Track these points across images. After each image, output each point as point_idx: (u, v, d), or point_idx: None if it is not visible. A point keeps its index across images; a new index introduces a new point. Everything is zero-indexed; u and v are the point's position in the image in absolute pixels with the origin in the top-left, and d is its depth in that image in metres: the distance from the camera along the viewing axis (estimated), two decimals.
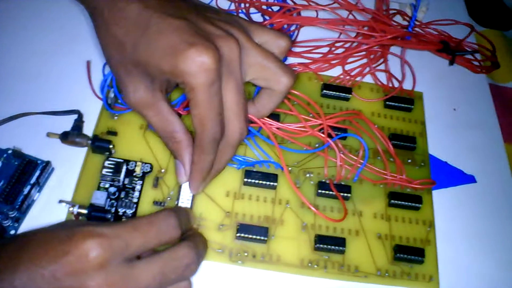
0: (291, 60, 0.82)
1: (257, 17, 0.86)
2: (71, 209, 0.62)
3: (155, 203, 0.65)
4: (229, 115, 0.57)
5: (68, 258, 0.45)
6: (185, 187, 0.63)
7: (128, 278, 0.47)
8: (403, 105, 0.79)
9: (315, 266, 0.65)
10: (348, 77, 0.81)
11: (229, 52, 0.55)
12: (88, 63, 0.73)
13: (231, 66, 0.55)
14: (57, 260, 0.45)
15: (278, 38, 0.62)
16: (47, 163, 0.65)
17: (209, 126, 0.55)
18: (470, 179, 0.76)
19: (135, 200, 0.65)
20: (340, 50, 0.83)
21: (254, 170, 0.69)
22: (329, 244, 0.65)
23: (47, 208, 0.64)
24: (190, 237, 0.55)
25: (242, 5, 0.86)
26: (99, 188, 0.65)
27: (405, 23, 0.88)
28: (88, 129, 0.69)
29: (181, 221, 0.54)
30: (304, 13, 0.85)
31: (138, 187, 0.66)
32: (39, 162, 0.65)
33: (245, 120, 0.59)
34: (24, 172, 0.63)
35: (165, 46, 0.53)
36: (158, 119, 0.60)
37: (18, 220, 0.62)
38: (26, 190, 0.63)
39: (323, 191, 0.69)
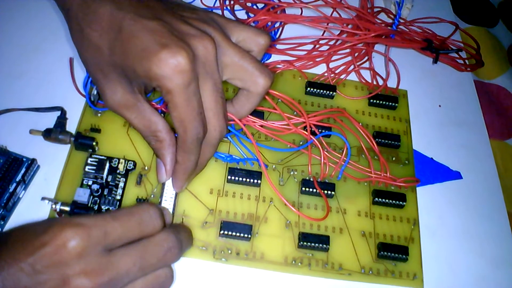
0: (275, 57, 0.82)
1: (241, 14, 0.86)
2: (53, 206, 0.61)
3: (138, 200, 0.65)
4: (208, 115, 0.57)
5: (46, 249, 0.44)
6: (169, 184, 0.63)
7: (107, 265, 0.46)
8: (387, 103, 0.79)
9: (299, 264, 0.65)
10: (332, 75, 0.81)
11: (205, 51, 0.54)
12: (71, 60, 0.72)
13: (207, 66, 0.55)
14: (35, 252, 0.44)
15: (257, 35, 0.61)
16: (33, 160, 0.64)
17: (190, 127, 0.54)
18: (456, 176, 0.76)
19: (118, 197, 0.65)
20: (324, 48, 0.83)
21: (238, 167, 0.69)
22: (313, 242, 0.65)
23: (33, 205, 0.64)
24: (171, 226, 0.56)
25: (227, 2, 0.85)
26: (82, 185, 0.65)
27: (390, 21, 0.88)
28: (72, 126, 0.69)
29: (164, 213, 0.53)
30: (289, 11, 0.85)
31: (121, 184, 0.66)
32: (24, 159, 0.64)
33: (224, 119, 0.59)
34: (9, 170, 0.63)
35: (139, 49, 0.52)
36: (139, 120, 0.59)
37: (3, 218, 0.62)
38: (11, 188, 0.62)
39: (307, 189, 0.69)
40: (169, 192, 0.64)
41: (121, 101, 0.58)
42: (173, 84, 0.51)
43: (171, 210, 0.63)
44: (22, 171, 0.63)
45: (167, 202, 0.64)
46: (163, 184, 0.64)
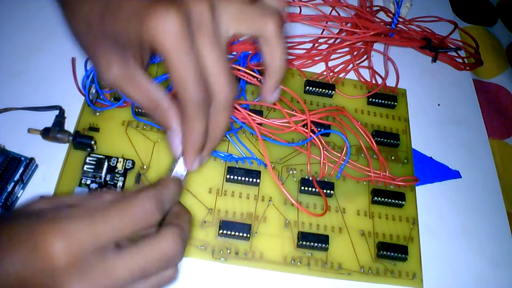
0: None
1: None
2: None
3: None
4: (212, 77, 0.53)
5: (33, 261, 0.44)
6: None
7: (103, 273, 0.46)
8: (386, 101, 0.79)
9: (298, 263, 0.65)
10: (331, 74, 0.81)
11: (199, 10, 0.51)
12: (73, 60, 0.72)
13: (202, 24, 0.52)
14: (23, 263, 0.43)
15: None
16: (31, 159, 0.64)
17: (189, 86, 0.51)
18: (456, 175, 0.76)
19: None
20: (323, 47, 0.83)
21: (237, 166, 0.69)
22: (312, 241, 0.65)
23: None
24: (174, 220, 0.53)
25: None
26: (80, 185, 0.65)
27: (389, 19, 0.88)
28: (70, 125, 0.69)
29: (163, 201, 0.51)
30: (288, 9, 0.85)
31: (119, 183, 0.66)
32: (22, 158, 0.64)
33: (229, 79, 0.54)
34: (8, 169, 0.63)
35: (129, 12, 0.50)
36: (139, 91, 0.55)
37: None
38: (9, 187, 0.62)
39: (306, 188, 0.69)
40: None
41: (117, 73, 0.55)
42: (166, 41, 0.49)
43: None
44: (21, 170, 0.63)
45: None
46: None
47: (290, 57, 0.81)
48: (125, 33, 0.51)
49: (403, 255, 0.66)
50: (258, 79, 0.72)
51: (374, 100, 0.80)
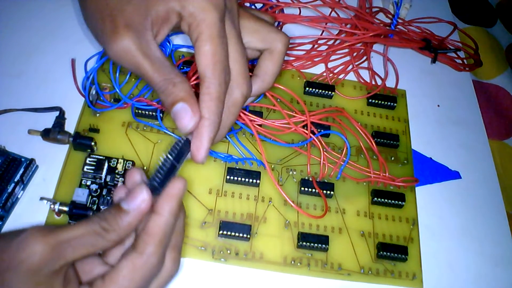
0: None
1: None
2: (52, 206, 0.61)
3: None
4: (233, 67, 0.53)
5: None
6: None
7: None
8: (386, 102, 0.79)
9: (299, 264, 0.65)
10: (331, 75, 0.81)
11: (232, 3, 0.54)
12: (73, 61, 0.72)
13: (232, 14, 0.54)
14: None
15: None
16: (31, 160, 0.64)
17: (220, 65, 0.50)
18: (455, 175, 0.76)
19: None
20: (323, 48, 0.83)
21: (237, 167, 0.69)
22: (312, 241, 0.65)
23: (31, 206, 0.64)
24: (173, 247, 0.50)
25: None
26: (80, 185, 0.65)
27: (388, 20, 0.88)
28: (70, 126, 0.69)
29: (167, 245, 0.48)
30: (287, 11, 0.85)
31: (120, 184, 0.65)
32: (23, 159, 0.64)
33: (248, 75, 0.55)
34: (8, 170, 0.63)
35: None
36: (152, 60, 0.51)
37: (2, 218, 0.61)
38: (10, 188, 0.62)
39: (306, 189, 0.69)
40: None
41: (132, 40, 0.50)
42: (210, 15, 0.49)
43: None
44: (21, 171, 0.63)
45: None
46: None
47: (290, 58, 0.82)
48: (160, 4, 0.51)
49: (403, 256, 0.66)
50: None
51: (373, 101, 0.80)
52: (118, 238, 0.45)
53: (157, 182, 0.47)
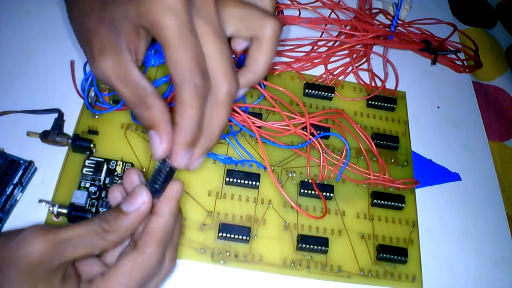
0: (273, 59, 0.81)
1: None
2: (51, 208, 0.61)
3: None
4: (212, 65, 0.50)
5: None
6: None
7: None
8: (386, 104, 0.79)
9: (298, 266, 0.65)
10: (330, 76, 0.81)
11: None
12: (72, 63, 0.72)
13: (205, 10, 0.50)
14: None
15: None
16: (30, 162, 0.64)
17: (185, 69, 0.48)
18: (455, 177, 0.76)
19: None
20: (322, 49, 0.83)
21: (236, 169, 0.69)
22: (312, 244, 0.65)
23: (30, 208, 0.63)
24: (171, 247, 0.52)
25: None
26: (79, 188, 0.65)
27: (388, 22, 0.88)
28: (69, 128, 0.69)
29: (167, 244, 0.50)
30: (287, 12, 0.85)
31: (114, 184, 0.65)
32: (21, 162, 0.64)
33: (232, 71, 0.52)
34: (7, 172, 0.63)
35: None
36: (125, 84, 0.51)
37: (1, 220, 0.61)
38: (8, 190, 0.62)
39: (306, 191, 0.69)
40: None
41: (109, 62, 0.51)
42: (165, 20, 0.47)
43: None
44: (19, 173, 0.63)
45: None
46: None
47: (289, 59, 0.81)
48: (122, 17, 0.49)
49: (403, 258, 0.66)
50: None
51: (373, 102, 0.79)
52: (118, 239, 0.46)
53: (158, 185, 0.48)
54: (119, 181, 0.65)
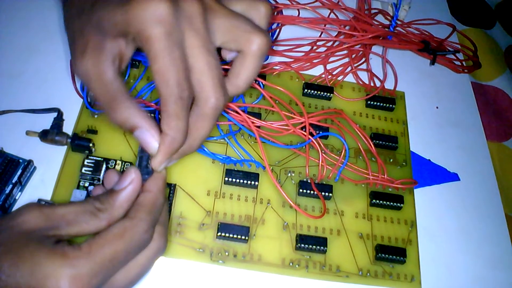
0: (272, 59, 0.81)
1: None
2: None
3: None
4: (199, 78, 0.50)
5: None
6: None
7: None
8: (385, 104, 0.79)
9: (297, 266, 0.65)
10: (329, 76, 0.81)
11: (191, 7, 0.49)
12: (71, 63, 0.72)
13: (193, 22, 0.50)
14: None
15: (256, 4, 0.55)
16: (29, 162, 0.64)
17: (172, 81, 0.48)
18: (454, 177, 0.76)
19: None
20: (321, 49, 0.83)
21: (235, 169, 0.69)
22: (310, 243, 0.65)
23: None
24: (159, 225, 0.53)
25: None
26: (78, 187, 0.65)
27: (387, 22, 0.88)
28: (68, 128, 0.69)
29: (155, 220, 0.51)
30: (286, 12, 0.85)
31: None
32: (20, 161, 0.64)
33: (219, 84, 0.51)
34: (6, 171, 0.63)
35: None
36: (100, 84, 0.51)
37: None
38: (7, 190, 0.62)
39: (305, 191, 0.69)
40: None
41: (88, 61, 0.51)
42: (151, 30, 0.47)
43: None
44: (19, 173, 0.63)
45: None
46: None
47: (288, 59, 0.81)
48: (110, 21, 0.49)
49: (402, 258, 0.66)
50: (256, 81, 0.72)
51: (372, 102, 0.80)
52: (110, 217, 0.48)
53: (143, 170, 0.52)
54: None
